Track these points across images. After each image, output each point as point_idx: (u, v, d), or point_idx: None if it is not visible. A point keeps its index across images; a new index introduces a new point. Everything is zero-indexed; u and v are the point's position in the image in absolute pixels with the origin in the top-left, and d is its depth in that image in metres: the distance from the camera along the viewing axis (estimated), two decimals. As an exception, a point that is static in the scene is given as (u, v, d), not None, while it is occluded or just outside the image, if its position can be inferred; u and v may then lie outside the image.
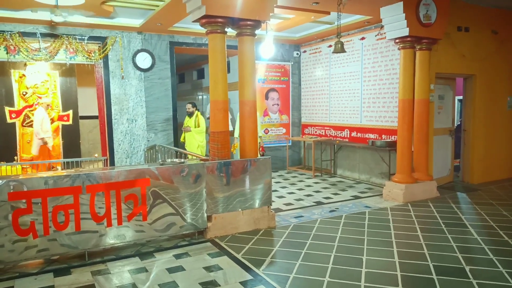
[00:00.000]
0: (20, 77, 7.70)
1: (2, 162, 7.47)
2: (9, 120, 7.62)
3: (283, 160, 8.94)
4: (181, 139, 7.67)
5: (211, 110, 4.61)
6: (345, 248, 3.95)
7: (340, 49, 5.46)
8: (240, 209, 4.53)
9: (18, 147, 7.71)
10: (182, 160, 4.42)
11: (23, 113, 7.71)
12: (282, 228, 4.66)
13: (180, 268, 3.53)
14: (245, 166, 4.56)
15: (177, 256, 3.82)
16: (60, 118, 8.05)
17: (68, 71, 8.18)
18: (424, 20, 5.71)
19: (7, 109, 7.59)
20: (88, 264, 3.65)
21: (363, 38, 7.44)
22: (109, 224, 3.81)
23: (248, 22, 4.59)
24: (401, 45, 5.88)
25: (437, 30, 5.90)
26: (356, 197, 6.20)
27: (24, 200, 3.45)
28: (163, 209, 4.09)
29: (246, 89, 4.74)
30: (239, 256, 3.77)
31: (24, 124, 7.72)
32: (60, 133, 8.10)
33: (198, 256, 3.81)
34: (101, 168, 4.81)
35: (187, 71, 12.04)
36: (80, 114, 8.55)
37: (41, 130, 7.26)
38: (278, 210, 5.43)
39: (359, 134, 7.58)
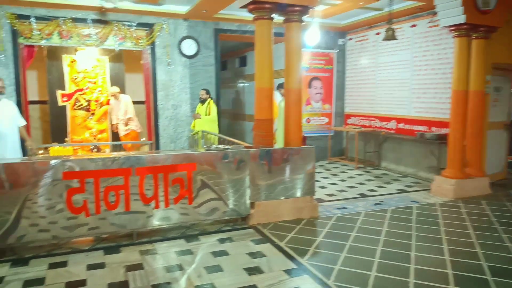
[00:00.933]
0: (72, 62, 8.00)
1: (54, 143, 7.87)
2: (60, 103, 7.96)
3: (324, 150, 8.79)
4: (191, 126, 7.58)
5: (256, 98, 4.57)
6: (392, 243, 3.83)
7: (391, 36, 5.24)
8: (282, 198, 4.50)
9: (69, 129, 8.06)
10: (227, 146, 4.44)
11: (74, 96, 8.03)
12: (325, 218, 4.58)
13: (224, 253, 3.56)
14: (289, 154, 4.51)
15: (221, 241, 3.85)
16: (109, 102, 8.32)
17: (116, 57, 8.41)
18: (482, 6, 5.33)
19: (59, 92, 7.93)
20: (136, 243, 3.77)
21: (414, 26, 7.09)
22: (157, 206, 3.91)
23: (296, 8, 4.48)
24: (456, 33, 5.54)
25: (496, 17, 5.50)
26: (402, 191, 5.99)
27: (77, 180, 3.60)
28: (208, 193, 4.13)
29: (292, 77, 4.66)
30: (282, 244, 3.75)
31: (74, 107, 8.04)
32: (108, 117, 8.38)
33: (242, 242, 3.83)
34: (149, 152, 4.94)
35: (229, 58, 12.06)
36: (126, 99, 8.81)
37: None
38: (320, 200, 5.35)
39: (406, 126, 7.29)
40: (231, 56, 11.92)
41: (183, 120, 7.63)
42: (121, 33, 6.92)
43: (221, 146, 4.45)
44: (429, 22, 6.74)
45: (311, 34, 6.93)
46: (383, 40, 5.60)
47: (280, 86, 6.93)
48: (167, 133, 7.56)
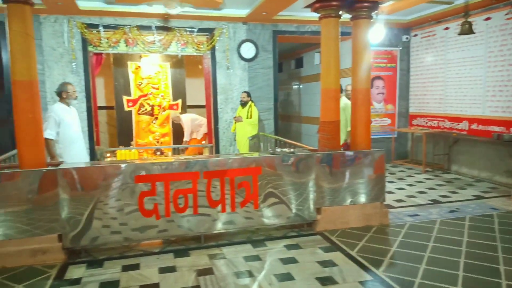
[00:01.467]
0: (136, 68, 8.34)
1: (120, 147, 8.24)
2: (126, 108, 8.32)
3: (388, 153, 8.33)
4: (232, 130, 7.51)
5: (322, 99, 4.42)
6: (475, 255, 3.50)
7: (467, 30, 4.86)
8: (350, 203, 4.30)
9: (134, 133, 8.40)
10: (291, 149, 4.32)
11: (139, 102, 8.36)
12: (397, 226, 4.31)
13: (293, 260, 3.45)
14: (357, 158, 4.30)
15: (288, 247, 3.75)
16: (170, 107, 8.57)
17: (177, 62, 8.65)
18: None
19: (124, 98, 8.30)
20: (204, 247, 3.78)
21: (488, 19, 6.54)
22: (223, 210, 3.89)
23: (365, 4, 4.28)
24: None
25: None
26: (479, 197, 5.52)
27: (149, 183, 3.68)
28: (273, 198, 4.05)
29: (359, 76, 4.46)
30: (353, 253, 3.56)
31: (139, 112, 8.37)
32: (170, 121, 8.63)
33: (310, 249, 3.69)
34: (216, 156, 4.95)
35: (285, 60, 11.97)
36: (187, 104, 9.03)
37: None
38: (389, 206, 5.06)
39: (480, 127, 6.73)
40: (286, 58, 11.82)
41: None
42: (183, 39, 7.07)
43: (286, 150, 4.35)
44: (506, 14, 6.18)
45: (375, 31, 6.63)
46: (459, 34, 5.19)
47: None
48: (226, 136, 7.61)
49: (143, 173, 3.67)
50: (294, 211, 4.13)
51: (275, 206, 4.07)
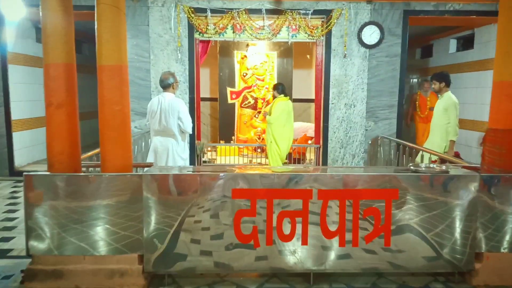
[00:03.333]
0: (242, 58, 7.73)
1: (221, 141, 7.74)
2: (229, 101, 7.79)
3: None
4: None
5: (492, 97, 3.11)
6: None
7: None
8: (528, 250, 2.95)
9: (235, 127, 7.84)
10: (444, 167, 3.11)
11: (242, 94, 7.75)
12: None
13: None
14: (545, 185, 2.92)
15: (436, 310, 2.62)
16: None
17: (285, 51, 7.82)
18: None
19: (228, 89, 7.77)
20: (313, 290, 2.85)
21: None
22: (342, 244, 2.90)
23: None
24: None
25: None
26: None
27: (247, 200, 2.87)
28: (411, 233, 2.92)
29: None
30: None
31: (242, 105, 7.77)
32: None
33: (470, 318, 2.52)
34: (336, 168, 3.88)
35: (408, 48, 10.29)
36: (292, 97, 8.17)
37: None
38: None
39: None
40: (409, 45, 10.12)
41: (357, 122, 6.49)
42: (295, 23, 6.18)
43: (436, 166, 3.15)
44: None
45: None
46: None
47: (437, 76, 5.26)
48: (336, 136, 6.54)
49: (242, 185, 2.87)
50: (441, 254, 2.95)
51: (413, 244, 2.93)
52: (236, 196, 2.86)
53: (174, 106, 4.39)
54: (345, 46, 6.25)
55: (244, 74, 7.72)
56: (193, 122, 6.50)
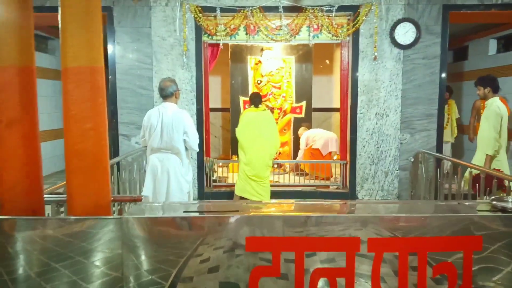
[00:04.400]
0: (256, 64, 7.01)
1: (233, 157, 6.96)
2: (242, 111, 7.02)
3: None
4: None
5: None
6: None
7: None
8: None
9: (249, 140, 7.05)
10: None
11: (257, 103, 6.98)
12: None
13: None
14: None
15: None
16: (293, 110, 7.02)
17: (304, 56, 7.05)
18: None
19: (241, 98, 7.04)
20: None
21: None
22: (403, 315, 2.05)
23: None
24: None
25: None
26: None
27: (267, 253, 2.04)
28: (501, 297, 2.06)
29: None
30: None
31: (256, 116, 6.98)
32: (292, 127, 7.08)
33: None
34: (394, 203, 2.79)
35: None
36: (312, 106, 7.36)
37: None
38: None
39: None
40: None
41: (390, 134, 5.63)
42: (316, 22, 5.40)
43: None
44: None
45: None
46: None
47: (482, 80, 4.43)
48: (366, 151, 5.69)
49: (258, 233, 2.05)
50: (544, 327, 2.07)
51: (504, 312, 2.07)
52: (252, 247, 2.03)
53: (178, 119, 3.71)
54: (375, 47, 5.42)
55: (259, 82, 6.97)
56: (200, 137, 5.73)
